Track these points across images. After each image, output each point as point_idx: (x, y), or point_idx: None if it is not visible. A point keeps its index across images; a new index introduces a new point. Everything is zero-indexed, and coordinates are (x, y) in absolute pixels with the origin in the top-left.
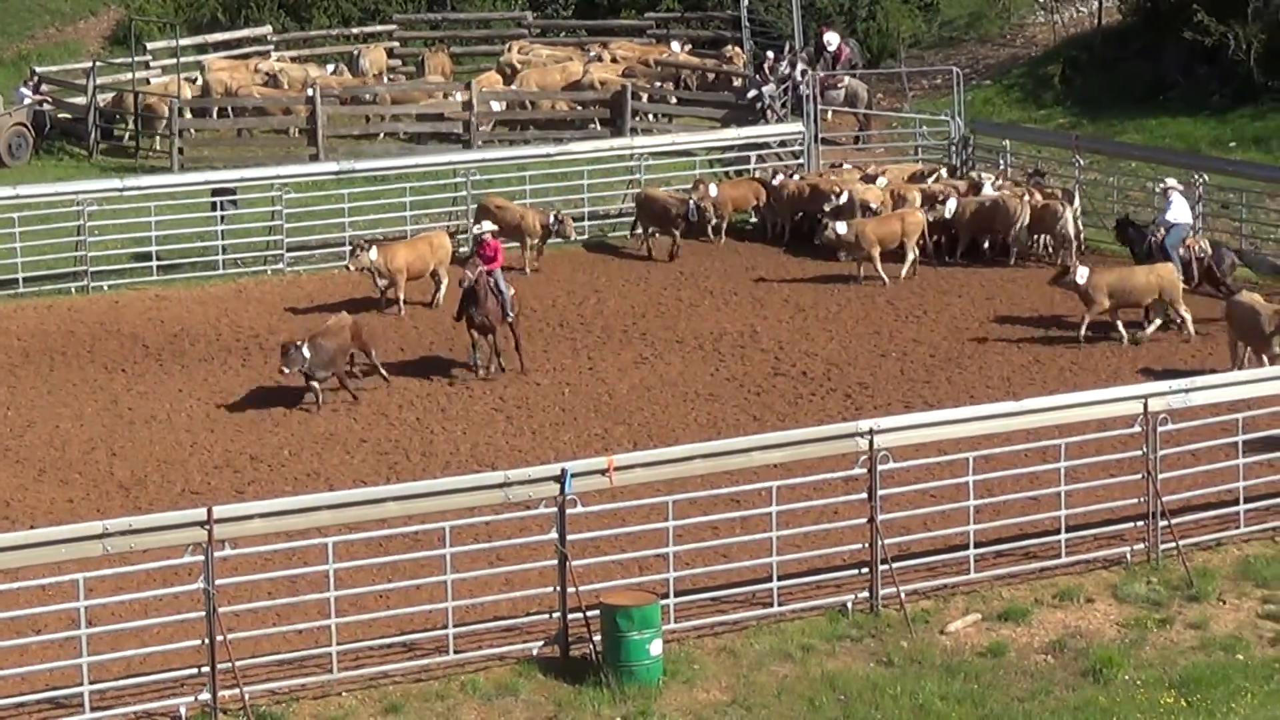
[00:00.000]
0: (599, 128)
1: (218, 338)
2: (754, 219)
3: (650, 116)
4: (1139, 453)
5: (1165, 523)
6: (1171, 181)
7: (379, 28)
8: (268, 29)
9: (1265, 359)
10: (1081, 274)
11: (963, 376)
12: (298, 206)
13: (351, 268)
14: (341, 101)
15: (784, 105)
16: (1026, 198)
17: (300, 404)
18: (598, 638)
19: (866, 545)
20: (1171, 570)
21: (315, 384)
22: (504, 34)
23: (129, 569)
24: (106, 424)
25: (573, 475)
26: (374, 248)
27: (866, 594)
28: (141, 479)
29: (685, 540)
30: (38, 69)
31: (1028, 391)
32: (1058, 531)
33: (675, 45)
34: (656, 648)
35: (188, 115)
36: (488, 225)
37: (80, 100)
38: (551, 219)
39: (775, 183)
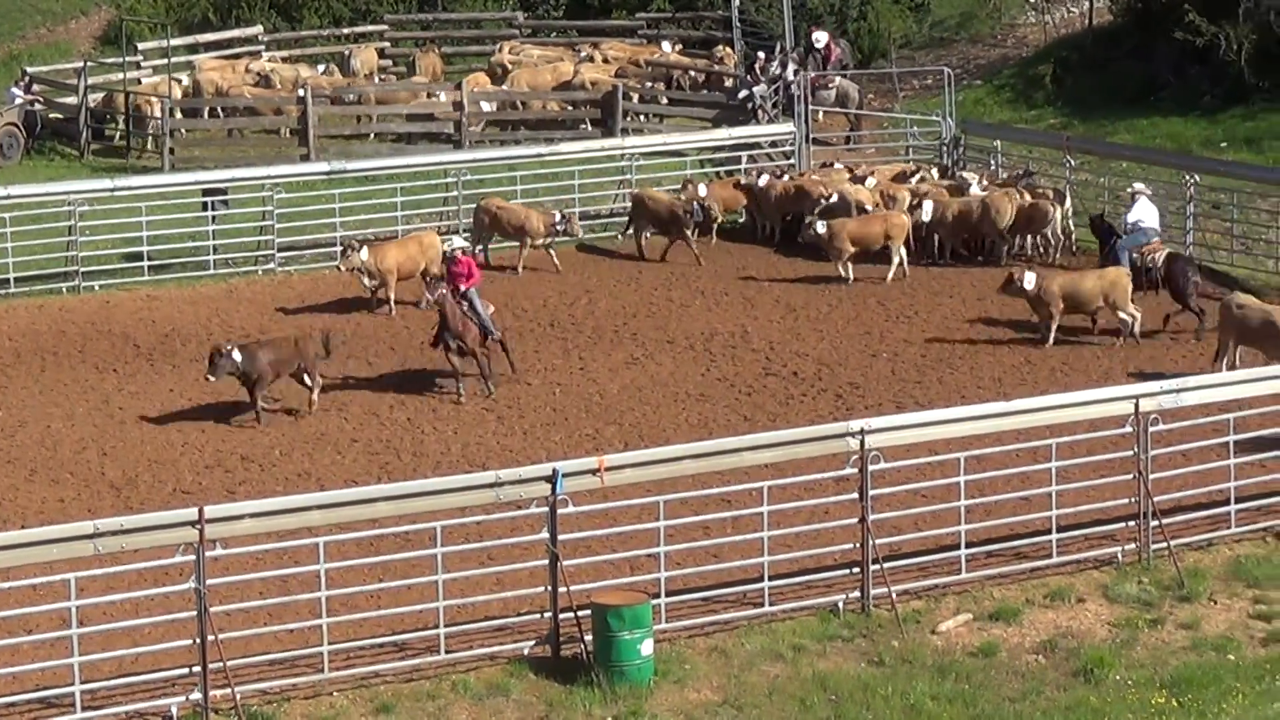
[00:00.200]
0: (590, 128)
1: (209, 338)
2: (744, 219)
3: (641, 117)
4: (1130, 453)
5: (1156, 523)
6: (1139, 185)
7: (370, 28)
8: (259, 29)
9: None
10: (1030, 280)
11: (954, 377)
12: (289, 206)
13: (342, 268)
14: (332, 101)
15: (775, 106)
16: (1014, 198)
17: (294, 405)
18: (589, 637)
19: (858, 545)
20: (1163, 570)
21: (257, 395)
22: (495, 34)
23: (120, 569)
24: (98, 424)
25: (564, 475)
26: (364, 248)
27: (858, 594)
28: (133, 479)
29: (676, 540)
30: (29, 69)
31: (1019, 392)
32: (1049, 531)
33: (666, 45)
34: (647, 648)
35: (178, 115)
36: (458, 242)
37: (71, 100)
38: (558, 218)
39: (761, 184)
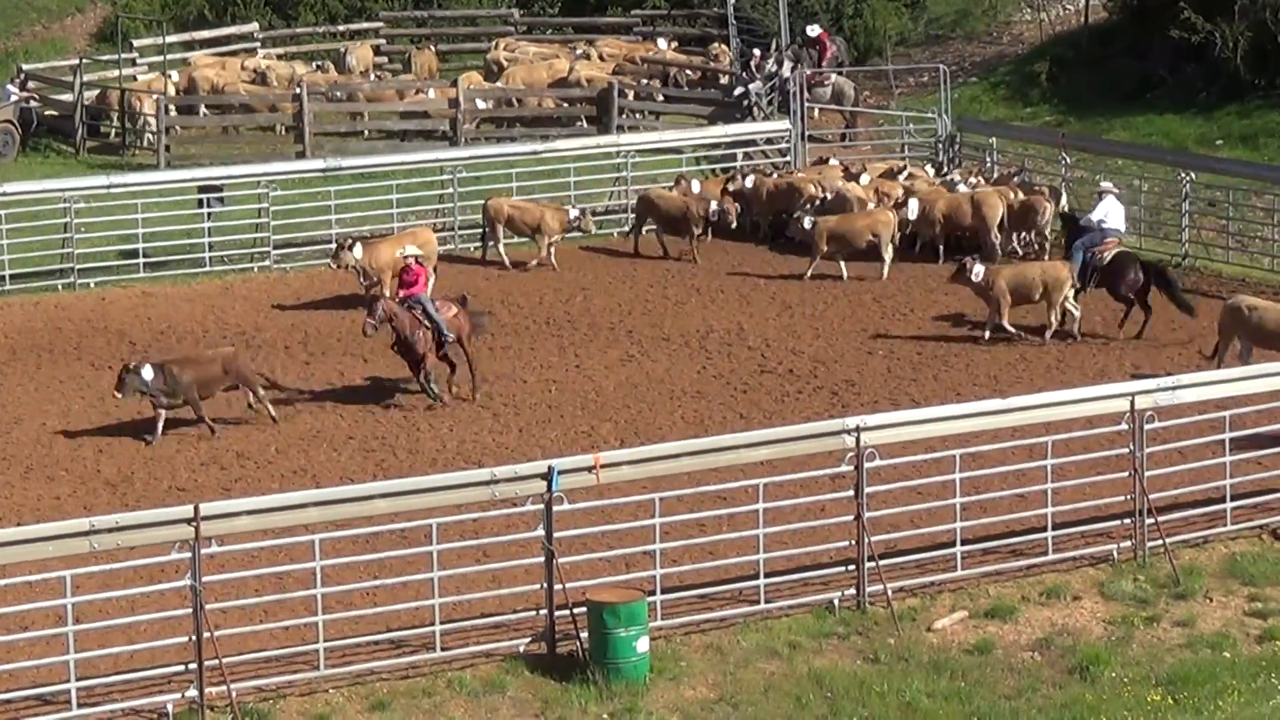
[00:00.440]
0: (585, 125)
1: (205, 335)
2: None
3: (637, 114)
4: (1126, 450)
5: (1152, 520)
6: (1107, 185)
7: (366, 25)
8: (254, 26)
9: None
10: (978, 272)
11: (949, 374)
12: (284, 204)
13: (334, 266)
14: (328, 99)
15: (771, 103)
16: (1003, 195)
17: (291, 403)
18: (585, 635)
19: (853, 542)
20: (1158, 568)
21: (161, 412)
22: (490, 31)
23: (116, 566)
24: (93, 421)
25: (559, 472)
26: (357, 245)
27: (853, 591)
28: (128, 476)
29: (672, 537)
30: (24, 66)
31: (1014, 389)
32: (1044, 529)
33: (662, 43)
34: (643, 645)
35: (172, 112)
36: (412, 250)
37: (67, 97)
38: (572, 215)
39: (748, 184)
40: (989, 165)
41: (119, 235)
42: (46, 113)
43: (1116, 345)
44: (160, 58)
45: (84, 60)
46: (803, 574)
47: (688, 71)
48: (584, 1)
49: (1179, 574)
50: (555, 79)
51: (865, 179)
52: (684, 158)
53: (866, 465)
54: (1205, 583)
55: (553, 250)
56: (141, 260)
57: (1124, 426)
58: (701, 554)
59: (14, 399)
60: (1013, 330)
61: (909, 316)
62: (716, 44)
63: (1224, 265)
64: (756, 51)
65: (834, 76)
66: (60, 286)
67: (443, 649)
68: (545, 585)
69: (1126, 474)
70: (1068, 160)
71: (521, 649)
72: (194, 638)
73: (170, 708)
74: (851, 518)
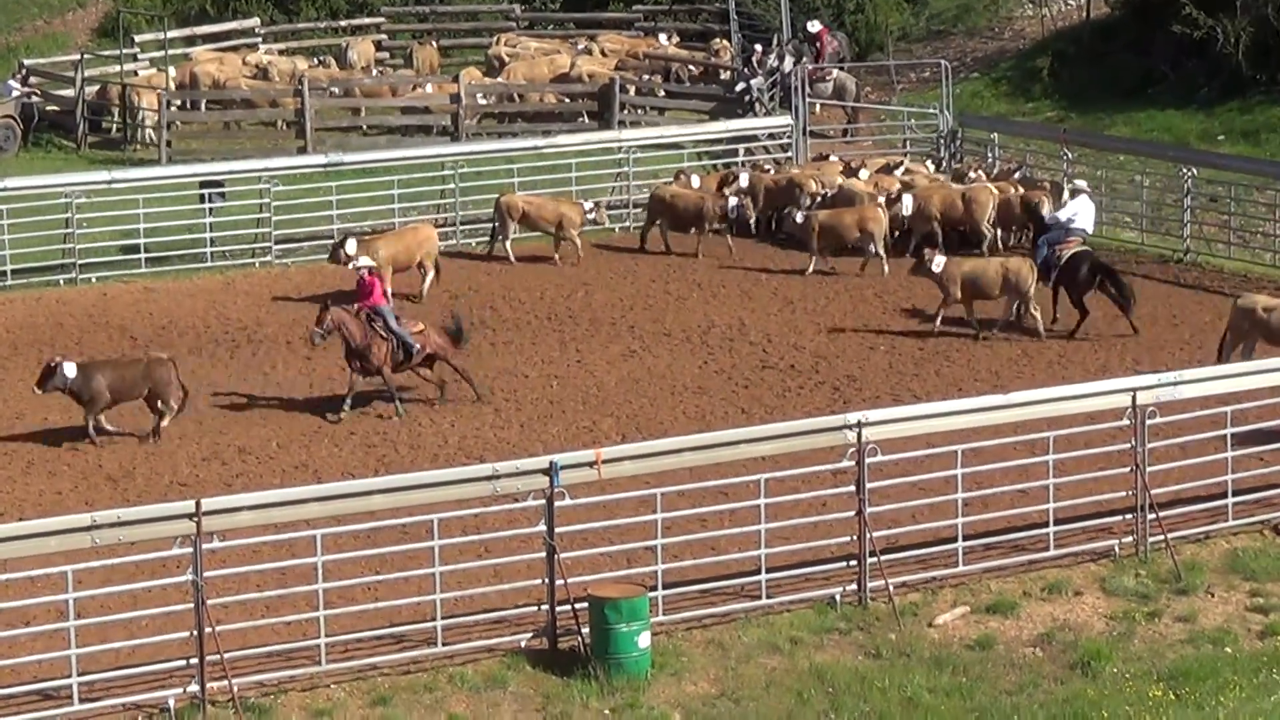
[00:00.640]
0: (587, 120)
1: (206, 330)
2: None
3: (639, 110)
4: (1127, 446)
5: (1154, 516)
6: (1081, 184)
7: (367, 20)
8: (256, 21)
9: None
10: (938, 263)
11: (951, 369)
12: (286, 199)
13: (331, 263)
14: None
15: (772, 98)
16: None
17: (289, 396)
18: (586, 630)
19: (855, 538)
20: (1160, 563)
21: (89, 417)
22: (492, 26)
23: (117, 561)
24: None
25: (561, 467)
26: (350, 241)
27: (855, 587)
28: (130, 471)
29: (673, 533)
30: (26, 61)
31: (1016, 384)
32: (1046, 524)
33: (663, 38)
34: (645, 640)
35: (172, 107)
36: (365, 261)
37: (68, 93)
38: (587, 208)
39: (744, 182)
40: (990, 160)
41: (120, 230)
42: (48, 108)
43: (1118, 341)
44: (162, 53)
45: (85, 55)
46: (804, 569)
47: (690, 67)
48: None
49: (1180, 569)
50: (556, 74)
51: (865, 174)
52: (685, 153)
53: (868, 461)
54: (1207, 578)
55: (578, 243)
56: (143, 255)
57: (1126, 422)
58: (703, 549)
59: (16, 394)
60: (937, 327)
61: (911, 312)
62: (718, 39)
63: (1225, 261)
64: (758, 47)
65: (835, 72)
66: (62, 281)
67: (444, 644)
68: (547, 580)
69: (1128, 469)
70: (1069, 156)
71: (523, 644)
72: (195, 633)
73: (172, 703)
74: (853, 513)
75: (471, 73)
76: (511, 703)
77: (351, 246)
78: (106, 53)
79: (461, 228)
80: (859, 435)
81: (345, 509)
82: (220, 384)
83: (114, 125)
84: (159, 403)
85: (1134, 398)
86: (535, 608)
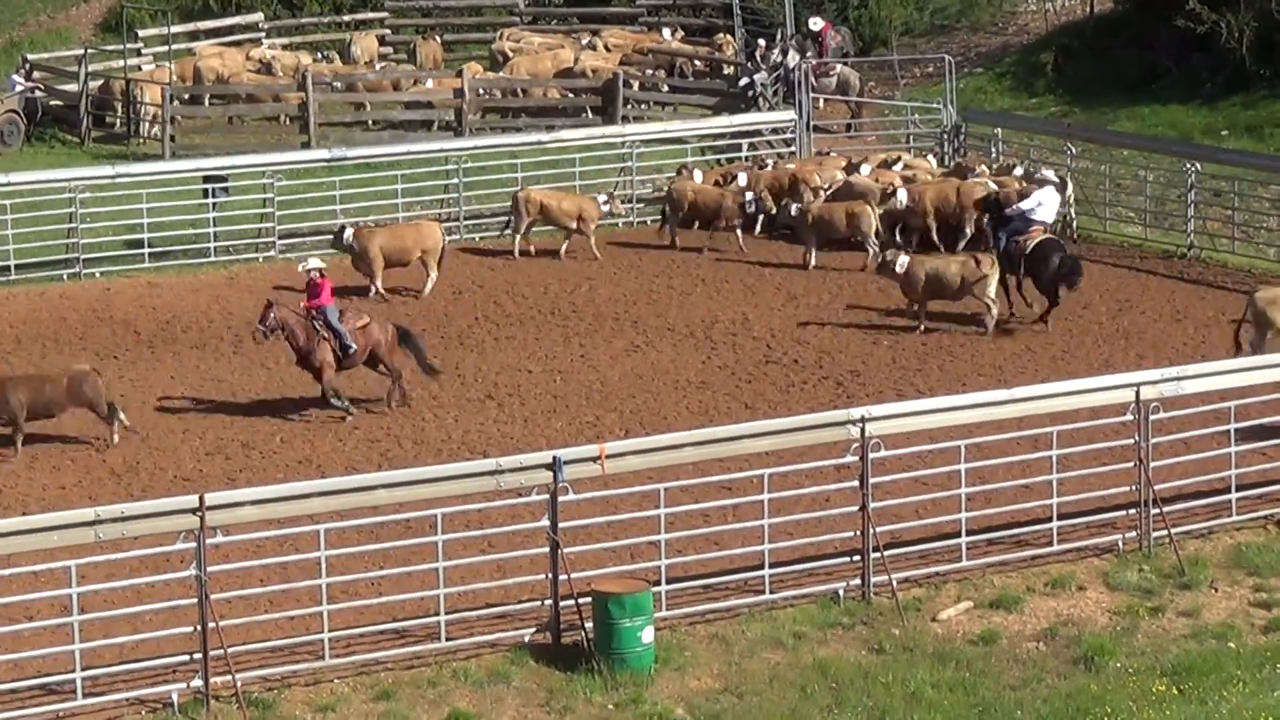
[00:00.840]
0: (590, 115)
1: (209, 325)
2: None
3: (642, 104)
4: (1131, 440)
5: (1157, 510)
6: (1048, 174)
7: (370, 15)
8: (259, 16)
9: None
10: (901, 263)
11: (954, 365)
12: (289, 194)
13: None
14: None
15: (776, 93)
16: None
17: (292, 391)
18: (590, 625)
19: (858, 533)
20: (1163, 558)
21: (16, 434)
22: (495, 21)
23: (121, 555)
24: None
25: (565, 462)
26: (347, 230)
27: (858, 581)
28: (133, 466)
29: (677, 527)
30: (29, 56)
31: (1019, 379)
32: (1049, 519)
33: (667, 33)
34: (648, 635)
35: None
36: (315, 263)
37: (72, 87)
38: (603, 200)
39: (742, 179)
40: (995, 155)
41: (124, 225)
42: (52, 103)
43: (1122, 336)
44: (165, 48)
45: (89, 50)
46: (808, 564)
47: (695, 62)
48: None
49: (1184, 564)
50: (560, 69)
51: (866, 169)
52: (688, 148)
53: (871, 456)
54: (1210, 573)
55: (593, 239)
56: (146, 250)
57: (1129, 417)
58: (706, 544)
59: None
60: (921, 325)
61: (915, 307)
62: (722, 34)
63: (1229, 256)
64: (762, 42)
65: (839, 67)
66: (65, 276)
67: (448, 639)
68: (550, 575)
69: (1131, 464)
70: (1073, 151)
71: (526, 639)
72: (199, 627)
73: (175, 697)
74: (856, 508)
75: (473, 68)
76: (515, 698)
77: (349, 234)
78: (110, 47)
79: (465, 223)
80: (862, 430)
81: (349, 504)
82: (224, 379)
83: (117, 120)
84: (93, 412)
85: (1137, 393)
86: (539, 603)
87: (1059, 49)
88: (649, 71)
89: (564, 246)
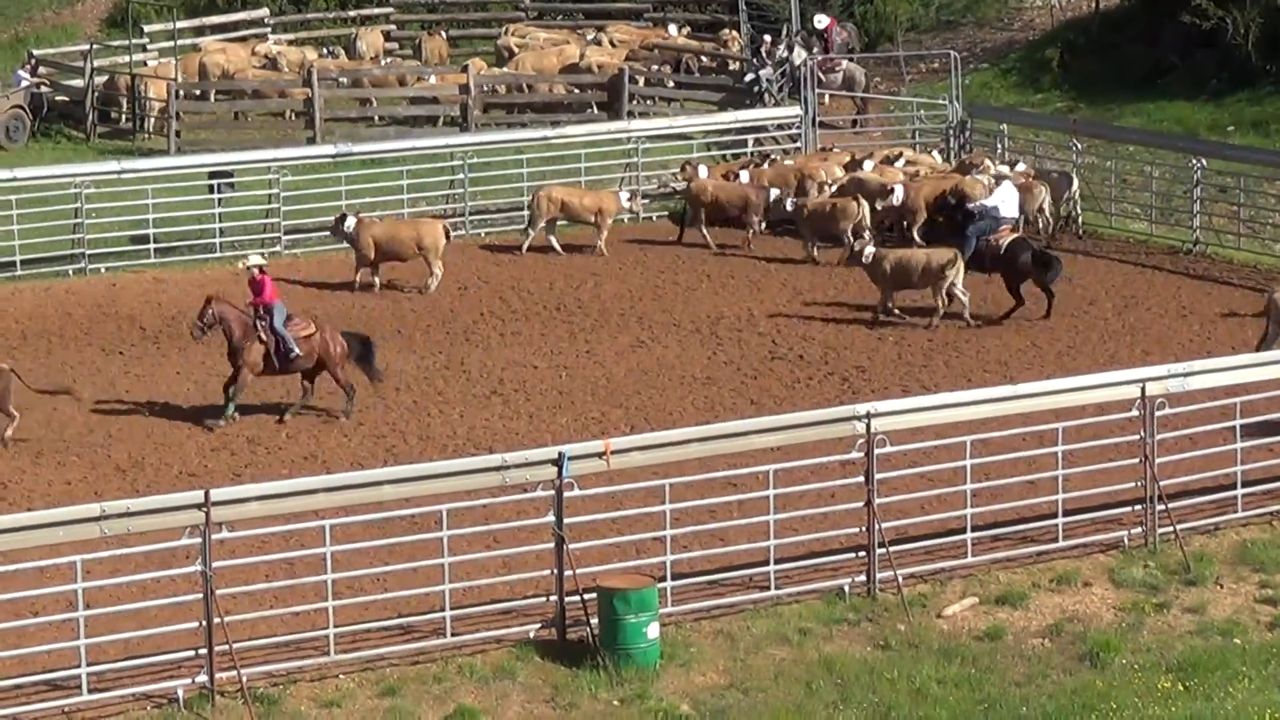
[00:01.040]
0: (596, 111)
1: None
2: None
3: (648, 100)
4: (1136, 437)
5: (1163, 507)
6: (1005, 170)
7: (376, 10)
8: (265, 11)
9: None
10: (868, 253)
11: (960, 360)
12: (295, 189)
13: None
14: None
15: (781, 89)
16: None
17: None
18: (595, 621)
19: (864, 529)
20: (1169, 554)
21: None
22: (501, 17)
23: (126, 551)
24: (104, 406)
25: (570, 458)
26: (349, 218)
27: (864, 578)
28: (139, 461)
29: (682, 523)
30: (35, 52)
31: (1025, 375)
32: (1055, 515)
33: (672, 29)
34: (654, 631)
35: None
36: (255, 259)
37: (77, 83)
38: (625, 196)
39: (744, 176)
40: (1000, 151)
41: (130, 221)
42: (57, 98)
43: (1128, 333)
44: (171, 43)
45: (95, 46)
46: (813, 560)
47: (701, 58)
48: None
49: (1189, 561)
50: (565, 65)
51: (869, 165)
52: (694, 144)
53: (877, 451)
54: (1216, 569)
55: (604, 235)
56: (152, 246)
57: (1135, 413)
58: (712, 540)
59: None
60: (894, 311)
61: (919, 303)
62: (727, 30)
63: (1235, 252)
64: (767, 38)
65: (845, 62)
66: (71, 272)
67: (453, 634)
68: (556, 571)
69: (1137, 460)
70: (1079, 146)
71: (532, 635)
72: (204, 623)
73: (181, 693)
74: (862, 504)
75: (477, 64)
76: (520, 693)
77: (350, 223)
78: (116, 43)
79: (470, 218)
80: (868, 426)
81: (354, 499)
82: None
83: (123, 116)
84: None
85: (1143, 389)
86: (544, 598)
87: (1065, 45)
88: (655, 67)
89: (600, 241)
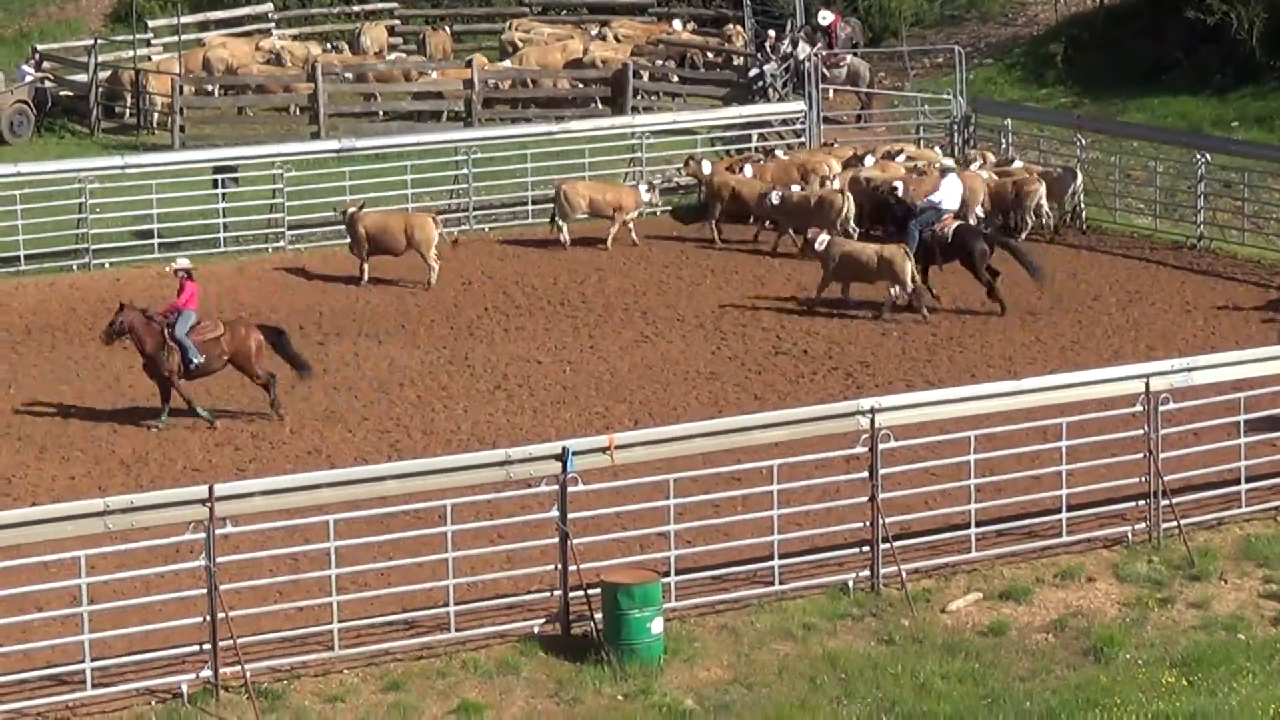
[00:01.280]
0: (600, 106)
1: (219, 315)
2: None
3: (652, 95)
4: (1140, 432)
5: (1167, 502)
6: (948, 163)
7: (380, 5)
8: (269, 6)
9: None
10: (821, 241)
11: (964, 355)
12: (299, 184)
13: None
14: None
15: (786, 84)
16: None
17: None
18: (599, 616)
19: (868, 524)
20: (1173, 549)
21: None
22: (505, 12)
23: (130, 546)
24: (108, 402)
25: (574, 453)
26: (349, 208)
27: (868, 573)
28: (143, 456)
29: (686, 518)
30: (39, 46)
31: (1029, 370)
32: (1059, 510)
33: (677, 24)
34: (657, 626)
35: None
36: (182, 263)
37: (82, 78)
38: (645, 190)
39: (747, 171)
40: (1004, 147)
41: (134, 216)
42: (61, 93)
43: (1132, 327)
44: (175, 38)
45: (99, 41)
46: (817, 555)
47: (705, 53)
48: None
49: (1194, 556)
50: (570, 60)
51: (870, 160)
52: (698, 139)
53: (881, 447)
54: (1220, 565)
55: (614, 231)
56: (156, 241)
57: (1139, 408)
58: (716, 535)
59: (29, 379)
60: (818, 295)
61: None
62: (731, 25)
63: (1239, 247)
64: (772, 33)
65: (849, 58)
66: (75, 267)
67: (457, 630)
68: (560, 566)
69: (1141, 456)
70: (1083, 142)
71: (536, 630)
72: (208, 618)
73: (185, 688)
74: (866, 499)
75: (481, 59)
76: (524, 688)
77: (349, 213)
78: (120, 38)
79: (474, 213)
80: (872, 421)
81: (358, 494)
82: (232, 372)
83: (127, 111)
84: None
85: (1147, 384)
86: (548, 593)
87: (1069, 40)
88: (659, 62)
89: (632, 235)
